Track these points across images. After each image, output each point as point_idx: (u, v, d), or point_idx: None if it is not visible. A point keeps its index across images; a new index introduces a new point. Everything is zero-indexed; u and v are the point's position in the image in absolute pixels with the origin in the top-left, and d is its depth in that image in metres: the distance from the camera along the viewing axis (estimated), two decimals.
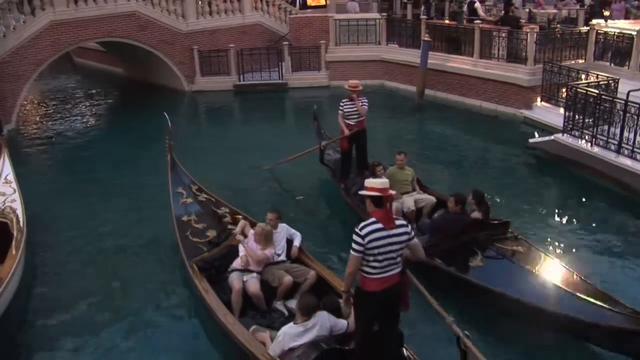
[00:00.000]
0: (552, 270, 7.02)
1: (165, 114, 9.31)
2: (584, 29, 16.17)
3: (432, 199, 8.93)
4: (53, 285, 8.06)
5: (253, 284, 6.78)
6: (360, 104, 9.99)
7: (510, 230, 7.80)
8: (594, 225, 9.41)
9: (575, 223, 9.56)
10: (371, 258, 4.92)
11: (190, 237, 7.89)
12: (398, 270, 5.08)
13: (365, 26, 18.89)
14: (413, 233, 5.18)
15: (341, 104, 10.17)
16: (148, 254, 8.77)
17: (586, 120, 11.36)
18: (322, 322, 5.54)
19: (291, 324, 5.62)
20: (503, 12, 17.99)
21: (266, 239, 7.03)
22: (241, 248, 7.18)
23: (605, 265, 8.15)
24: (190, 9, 18.77)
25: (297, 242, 7.42)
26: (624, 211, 9.86)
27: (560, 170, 11.64)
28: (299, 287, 6.81)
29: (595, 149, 11.03)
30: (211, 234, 8.00)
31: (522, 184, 11.27)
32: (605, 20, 16.60)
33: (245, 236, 7.34)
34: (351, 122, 10.06)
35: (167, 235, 8.47)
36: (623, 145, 10.48)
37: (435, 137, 14.53)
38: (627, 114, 10.35)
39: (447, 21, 19.07)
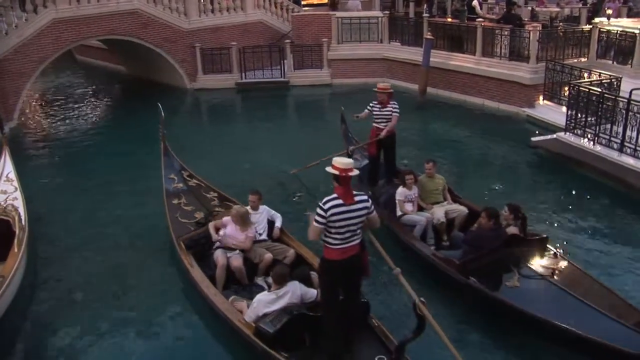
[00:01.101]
0: (597, 295, 6.38)
1: (159, 104, 9.64)
2: (587, 27, 16.13)
3: (464, 209, 8.38)
4: (55, 283, 8.07)
5: (236, 259, 7.24)
6: (391, 110, 9.51)
7: (549, 247, 7.27)
8: (596, 224, 9.40)
9: (576, 222, 9.53)
10: (333, 230, 5.40)
11: (179, 218, 8.45)
12: (358, 241, 5.57)
13: (368, 24, 18.84)
14: (373, 207, 5.59)
15: (371, 104, 9.62)
16: (148, 247, 8.88)
17: (589, 119, 11.34)
18: (294, 290, 6.04)
19: (265, 292, 6.20)
20: (505, 10, 17.95)
21: (243, 220, 7.40)
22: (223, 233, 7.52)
23: (614, 268, 8.04)
24: (192, 6, 18.75)
25: (278, 223, 7.93)
26: (628, 210, 9.84)
27: (562, 168, 11.63)
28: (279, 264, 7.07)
29: (598, 148, 11.01)
30: (199, 215, 8.54)
31: (524, 183, 11.27)
32: (608, 19, 16.54)
33: (224, 225, 7.58)
34: (380, 127, 9.54)
35: (165, 227, 8.61)
36: (625, 144, 10.47)
37: (438, 135, 14.51)
38: (630, 113, 10.33)
39: (449, 19, 19.02)
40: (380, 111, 9.54)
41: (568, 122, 11.82)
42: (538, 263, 6.97)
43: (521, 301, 6.31)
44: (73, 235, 9.38)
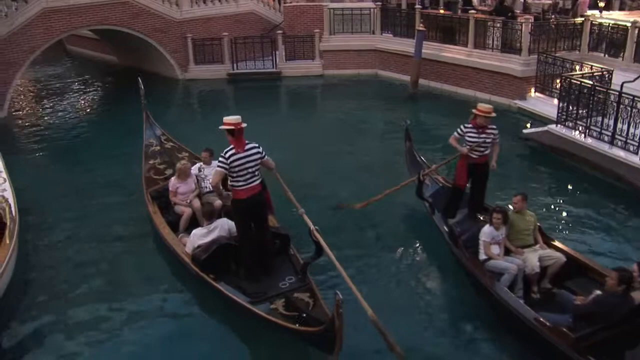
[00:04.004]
0: None
1: (139, 78, 10.89)
2: (579, 19, 16.16)
3: (561, 257, 6.97)
4: (47, 273, 8.09)
5: (196, 202, 8.54)
6: (492, 136, 8.09)
7: None
8: (586, 215, 9.46)
9: (567, 213, 9.62)
10: (235, 175, 6.62)
11: (152, 175, 9.73)
12: (258, 181, 6.79)
13: (360, 15, 18.81)
14: (264, 153, 6.75)
15: (462, 128, 8.19)
16: (137, 234, 9.05)
17: (580, 112, 11.41)
18: (222, 225, 7.41)
19: (200, 227, 7.56)
20: (498, 2, 17.95)
21: (187, 173, 8.64)
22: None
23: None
24: None
25: None
26: (617, 202, 9.88)
27: (553, 161, 11.68)
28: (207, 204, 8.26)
29: (589, 140, 11.08)
30: (169, 172, 9.62)
31: (515, 174, 11.29)
32: (600, 12, 16.59)
33: (176, 190, 8.58)
34: (472, 155, 8.10)
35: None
36: (616, 136, 10.54)
37: (429, 127, 14.50)
38: (621, 106, 10.40)
39: (441, 11, 18.98)
40: (478, 137, 8.06)
41: (559, 114, 11.88)
42: None
43: None
44: (64, 226, 9.38)
